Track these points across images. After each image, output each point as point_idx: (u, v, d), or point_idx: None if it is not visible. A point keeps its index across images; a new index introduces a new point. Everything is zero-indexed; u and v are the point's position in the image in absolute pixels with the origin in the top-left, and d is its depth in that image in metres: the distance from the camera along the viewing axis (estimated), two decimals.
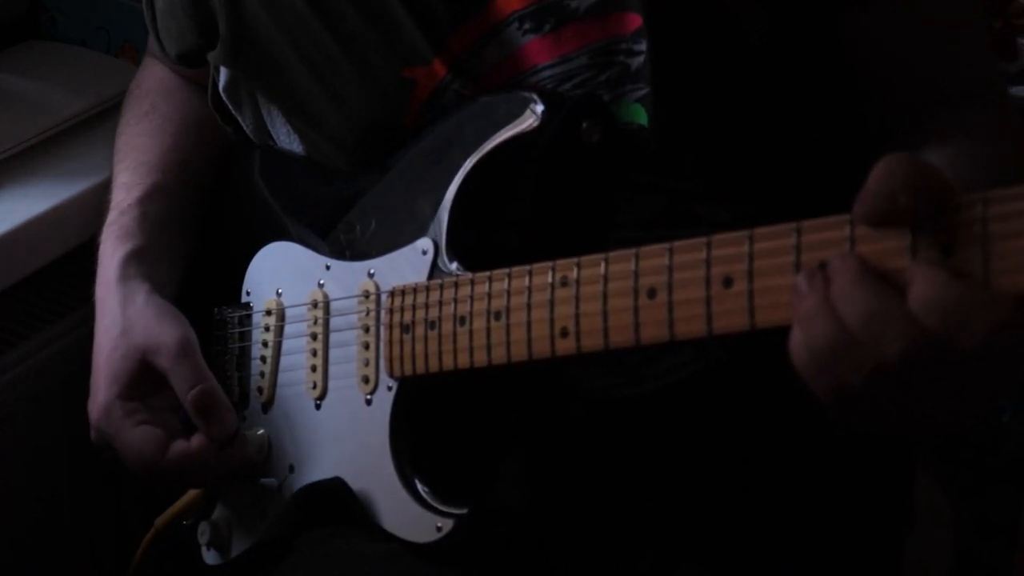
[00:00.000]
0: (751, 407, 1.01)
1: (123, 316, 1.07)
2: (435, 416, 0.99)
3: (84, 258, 1.35)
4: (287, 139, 1.12)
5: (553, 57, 0.96)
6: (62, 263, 1.37)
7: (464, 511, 0.93)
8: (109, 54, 1.65)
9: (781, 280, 0.71)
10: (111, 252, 1.12)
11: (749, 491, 1.02)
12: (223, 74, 1.13)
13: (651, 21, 0.93)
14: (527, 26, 0.96)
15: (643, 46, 0.93)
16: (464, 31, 0.98)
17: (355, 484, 1.00)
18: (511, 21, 0.97)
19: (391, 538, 0.97)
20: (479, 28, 0.97)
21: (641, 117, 0.95)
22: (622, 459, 1.00)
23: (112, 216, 1.15)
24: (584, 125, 0.92)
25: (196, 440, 1.03)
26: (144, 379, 1.05)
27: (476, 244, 0.95)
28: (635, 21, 0.94)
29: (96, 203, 1.33)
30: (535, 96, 0.92)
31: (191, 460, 1.02)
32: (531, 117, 0.92)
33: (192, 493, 1.12)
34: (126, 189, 1.16)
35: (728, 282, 0.73)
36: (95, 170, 1.38)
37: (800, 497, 1.03)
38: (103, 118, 1.48)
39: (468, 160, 0.94)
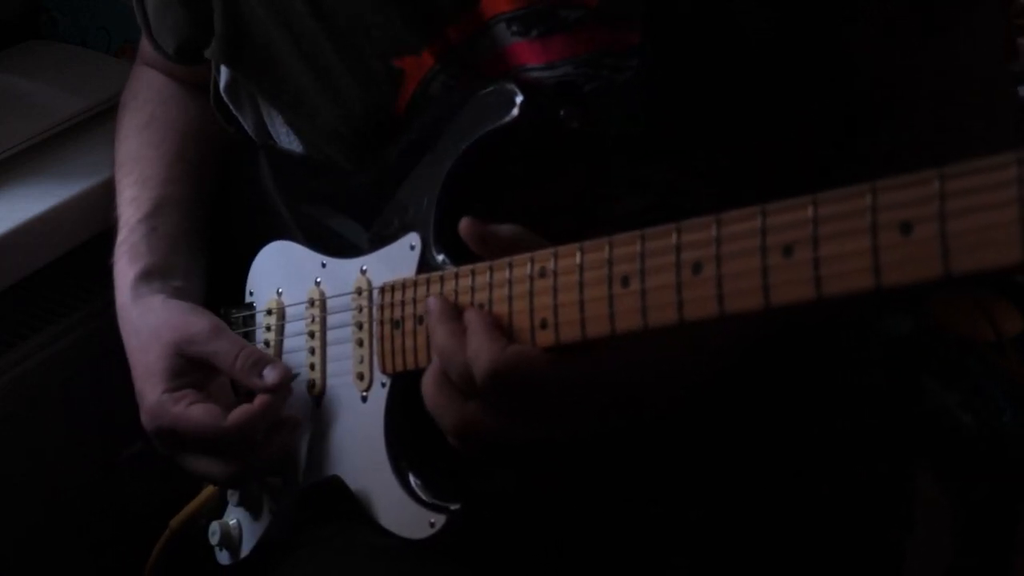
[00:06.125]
0: (751, 406, 1.01)
1: (146, 326, 1.08)
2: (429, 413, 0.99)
3: (84, 258, 1.36)
4: (287, 139, 1.12)
5: (540, 61, 0.96)
6: (62, 263, 1.36)
7: (456, 507, 0.93)
8: (109, 54, 1.64)
9: (750, 264, 0.70)
10: (124, 274, 1.12)
11: (749, 490, 1.02)
12: (224, 74, 1.13)
13: (650, 38, 0.92)
14: (514, 28, 0.96)
15: (632, 63, 0.93)
16: (459, 24, 0.98)
17: (353, 481, 1.00)
18: (498, 21, 0.97)
19: (390, 534, 0.97)
20: (473, 23, 0.97)
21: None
22: (615, 450, 0.99)
23: (122, 235, 1.15)
24: (562, 112, 0.92)
25: (258, 400, 1.01)
26: (186, 371, 1.05)
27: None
28: (627, 39, 0.93)
29: (96, 203, 1.33)
30: (515, 88, 0.92)
31: (255, 420, 1.00)
32: (512, 108, 0.92)
33: (206, 492, 1.11)
34: (134, 206, 1.16)
35: (697, 268, 0.73)
36: (95, 170, 1.38)
37: (800, 497, 1.03)
38: (103, 118, 1.48)
39: (454, 154, 0.95)
